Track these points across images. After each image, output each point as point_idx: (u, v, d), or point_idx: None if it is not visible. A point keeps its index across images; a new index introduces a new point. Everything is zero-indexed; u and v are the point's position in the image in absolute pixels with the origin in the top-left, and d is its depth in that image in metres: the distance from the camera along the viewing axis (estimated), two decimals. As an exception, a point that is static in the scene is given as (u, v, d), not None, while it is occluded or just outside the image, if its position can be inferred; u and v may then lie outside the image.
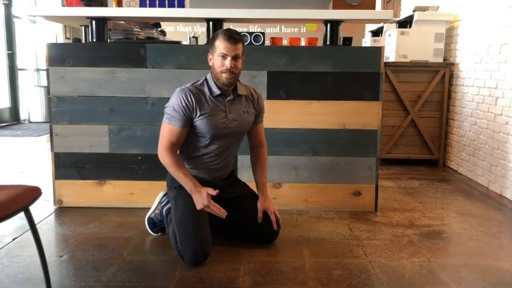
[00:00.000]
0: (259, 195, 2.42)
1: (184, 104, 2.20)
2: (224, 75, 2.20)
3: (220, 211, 2.18)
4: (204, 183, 2.28)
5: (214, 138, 2.28)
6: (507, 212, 3.13)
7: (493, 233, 2.68)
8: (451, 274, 2.12)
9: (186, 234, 2.16)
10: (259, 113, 2.43)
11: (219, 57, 2.19)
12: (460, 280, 2.06)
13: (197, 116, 2.22)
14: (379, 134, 2.94)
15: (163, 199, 2.50)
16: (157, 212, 2.49)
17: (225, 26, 3.03)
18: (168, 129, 2.23)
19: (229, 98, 2.29)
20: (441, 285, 2.02)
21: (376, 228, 2.71)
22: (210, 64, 2.27)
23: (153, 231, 2.52)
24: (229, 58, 2.18)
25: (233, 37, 2.17)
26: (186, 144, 2.30)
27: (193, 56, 2.88)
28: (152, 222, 2.52)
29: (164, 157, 2.23)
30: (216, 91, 2.26)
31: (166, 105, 2.27)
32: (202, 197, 2.17)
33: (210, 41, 2.28)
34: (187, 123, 2.23)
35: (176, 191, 2.30)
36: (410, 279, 2.05)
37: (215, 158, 2.34)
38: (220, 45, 2.18)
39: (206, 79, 2.31)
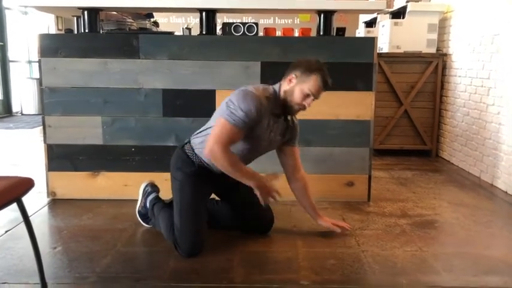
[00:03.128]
0: (317, 217, 2.43)
1: (255, 114, 2.08)
2: (297, 108, 2.18)
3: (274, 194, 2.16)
4: (213, 173, 2.24)
5: (249, 146, 2.22)
6: (498, 201, 3.16)
7: (484, 222, 2.71)
8: (443, 263, 2.14)
9: (189, 222, 2.16)
10: (293, 138, 2.37)
11: (305, 92, 2.12)
12: (452, 268, 2.09)
13: (255, 126, 2.14)
14: (372, 125, 2.95)
15: (146, 189, 2.51)
16: (143, 205, 2.51)
17: (218, 16, 3.02)
18: (231, 129, 2.07)
19: (279, 119, 2.23)
20: (433, 273, 2.04)
21: (369, 218, 2.73)
22: (288, 84, 2.15)
23: (145, 223, 2.52)
24: (312, 98, 2.15)
25: (328, 85, 2.15)
26: None
27: (186, 46, 2.87)
28: (142, 215, 2.53)
29: (223, 156, 2.06)
30: (277, 111, 2.19)
31: (230, 103, 2.08)
32: (269, 185, 2.15)
33: (305, 68, 2.13)
34: (249, 129, 2.13)
35: (184, 177, 2.23)
36: (403, 268, 2.07)
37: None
38: (315, 85, 2.11)
39: (274, 95, 2.19)
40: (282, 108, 2.20)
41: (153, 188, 2.56)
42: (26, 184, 1.70)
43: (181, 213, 2.19)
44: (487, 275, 2.03)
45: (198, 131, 2.30)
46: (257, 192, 2.13)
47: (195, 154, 2.25)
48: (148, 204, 2.46)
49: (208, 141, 2.09)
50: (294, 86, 2.14)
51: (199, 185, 2.25)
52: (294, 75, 2.14)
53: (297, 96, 2.14)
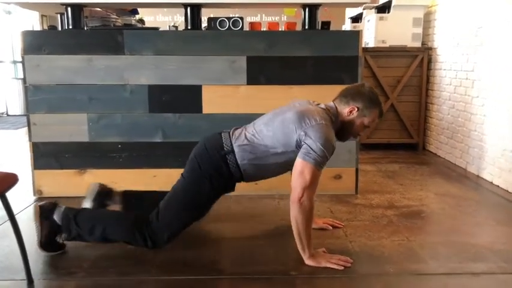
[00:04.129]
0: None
1: (335, 146, 2.04)
2: (352, 137, 2.22)
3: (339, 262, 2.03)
4: (237, 178, 2.15)
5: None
6: (483, 191, 3.20)
7: (470, 211, 2.74)
8: (429, 251, 2.17)
9: (185, 225, 2.09)
10: None
11: (365, 125, 2.14)
12: (438, 256, 2.11)
13: None
14: (358, 118, 2.96)
15: (44, 210, 2.12)
16: (46, 230, 2.11)
17: (203, 11, 3.02)
18: (318, 174, 1.98)
19: None
20: (419, 262, 2.06)
21: (356, 210, 2.75)
22: (348, 115, 2.11)
23: (47, 251, 2.11)
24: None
25: (383, 116, 2.23)
26: (267, 158, 2.09)
27: (172, 42, 2.86)
28: (49, 241, 2.11)
29: (311, 206, 1.99)
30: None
31: (314, 146, 1.94)
32: (324, 257, 2.06)
33: (368, 103, 2.10)
34: None
35: (211, 192, 2.10)
36: (390, 257, 2.09)
37: (269, 175, 2.29)
38: (374, 118, 2.14)
39: (335, 116, 2.12)
40: (338, 130, 2.15)
41: (52, 204, 2.15)
42: (9, 179, 1.69)
43: (183, 213, 2.08)
44: (473, 261, 2.06)
45: (239, 138, 2.11)
46: (310, 263, 2.02)
47: (238, 167, 2.08)
48: (60, 219, 2.09)
49: (297, 188, 1.96)
50: (355, 118, 2.12)
51: (217, 197, 2.16)
52: (355, 108, 2.10)
53: (357, 128, 2.15)
